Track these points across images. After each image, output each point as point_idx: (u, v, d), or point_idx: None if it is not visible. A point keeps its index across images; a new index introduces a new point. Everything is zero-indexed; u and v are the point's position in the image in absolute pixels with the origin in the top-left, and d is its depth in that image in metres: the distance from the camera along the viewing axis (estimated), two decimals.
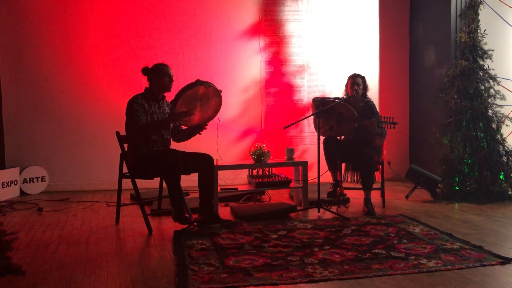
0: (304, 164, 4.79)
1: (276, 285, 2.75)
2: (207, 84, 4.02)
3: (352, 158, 4.76)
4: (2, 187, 5.31)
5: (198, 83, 3.99)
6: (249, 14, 6.14)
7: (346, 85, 4.79)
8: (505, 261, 3.06)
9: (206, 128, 4.21)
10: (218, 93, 4.11)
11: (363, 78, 4.77)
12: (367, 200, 4.54)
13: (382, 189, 4.83)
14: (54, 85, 5.80)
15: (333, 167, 4.76)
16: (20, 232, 3.89)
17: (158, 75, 4.07)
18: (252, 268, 2.97)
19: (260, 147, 4.74)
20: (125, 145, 4.14)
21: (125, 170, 4.17)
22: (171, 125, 4.17)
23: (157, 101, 4.12)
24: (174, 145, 4.23)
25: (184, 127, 4.26)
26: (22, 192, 5.63)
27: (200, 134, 4.21)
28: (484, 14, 5.26)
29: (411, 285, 2.72)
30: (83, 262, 3.20)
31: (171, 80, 4.12)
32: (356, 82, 4.70)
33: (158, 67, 4.10)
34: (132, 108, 3.94)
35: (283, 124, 4.75)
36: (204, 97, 4.07)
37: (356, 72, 4.82)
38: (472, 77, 5.08)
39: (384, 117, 4.54)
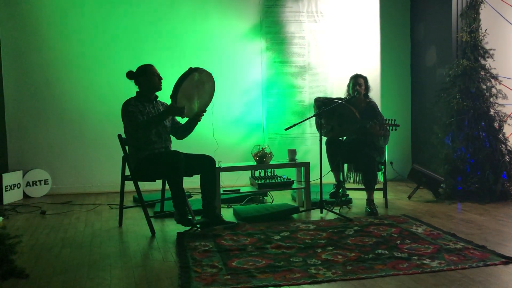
0: (307, 165, 4.79)
1: (279, 287, 2.75)
2: (200, 70, 4.01)
3: (354, 158, 4.76)
4: (5, 190, 5.32)
5: (191, 70, 3.96)
6: (250, 15, 6.14)
7: (348, 86, 4.79)
8: (508, 260, 3.06)
9: (202, 116, 4.14)
10: (210, 76, 4.10)
11: (365, 78, 4.76)
12: (370, 201, 4.54)
13: (384, 190, 4.83)
14: (57, 88, 5.81)
15: (336, 168, 4.76)
16: (24, 235, 3.91)
17: (146, 77, 4.06)
18: (255, 270, 2.98)
19: (262, 148, 4.74)
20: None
21: (127, 172, 4.17)
22: (168, 122, 4.15)
23: (150, 101, 4.12)
24: (176, 146, 4.22)
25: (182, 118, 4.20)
26: (25, 195, 5.64)
27: (199, 120, 4.15)
28: (485, 13, 5.26)
29: (415, 286, 2.72)
30: (87, 265, 3.20)
31: (160, 78, 4.11)
32: (358, 83, 4.70)
33: (144, 69, 4.09)
34: (127, 110, 3.96)
35: (285, 125, 4.75)
36: (200, 83, 4.05)
37: (358, 73, 4.82)
38: (474, 76, 5.08)
39: (386, 119, 4.53)
